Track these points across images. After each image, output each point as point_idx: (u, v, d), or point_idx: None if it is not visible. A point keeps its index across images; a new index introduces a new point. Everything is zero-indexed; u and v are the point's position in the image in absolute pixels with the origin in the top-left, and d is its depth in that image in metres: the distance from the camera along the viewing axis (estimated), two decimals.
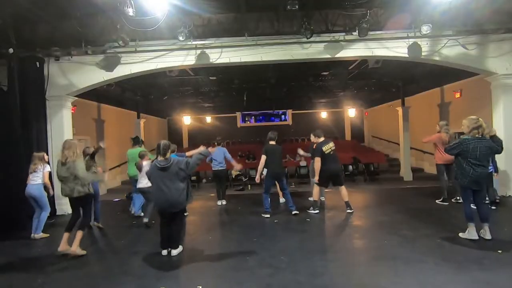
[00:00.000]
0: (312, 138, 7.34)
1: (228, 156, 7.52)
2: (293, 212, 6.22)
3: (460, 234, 4.58)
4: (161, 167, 4.17)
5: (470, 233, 4.46)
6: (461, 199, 6.43)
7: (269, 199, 6.34)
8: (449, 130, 6.72)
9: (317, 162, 6.15)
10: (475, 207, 4.55)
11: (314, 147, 7.16)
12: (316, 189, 6.43)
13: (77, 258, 4.40)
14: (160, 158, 4.25)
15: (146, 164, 5.75)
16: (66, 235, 4.49)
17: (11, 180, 5.98)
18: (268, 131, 6.69)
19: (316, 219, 6.06)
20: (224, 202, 7.72)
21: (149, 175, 4.35)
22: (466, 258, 3.89)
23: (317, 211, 6.35)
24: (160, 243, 4.45)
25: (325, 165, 6.18)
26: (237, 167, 6.99)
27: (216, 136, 8.27)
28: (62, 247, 4.44)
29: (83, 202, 4.55)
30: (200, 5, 5.94)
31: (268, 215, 6.19)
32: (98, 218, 5.96)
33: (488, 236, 4.41)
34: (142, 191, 6.02)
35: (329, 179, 6.31)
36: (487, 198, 6.13)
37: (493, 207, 6.07)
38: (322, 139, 6.33)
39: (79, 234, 4.48)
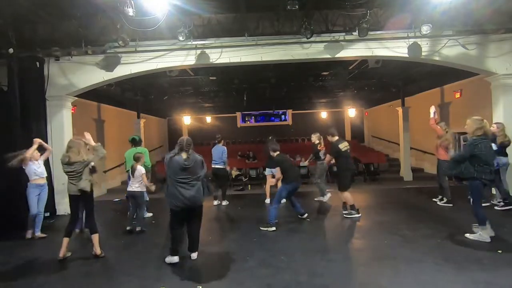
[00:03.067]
0: (314, 138, 7.41)
1: (225, 156, 7.46)
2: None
3: (467, 235, 4.54)
4: (185, 166, 3.99)
5: (483, 235, 4.43)
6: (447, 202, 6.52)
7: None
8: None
9: (328, 158, 6.40)
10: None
11: (319, 147, 7.25)
12: (346, 194, 6.05)
13: (90, 258, 4.41)
14: (183, 155, 4.04)
15: (140, 168, 5.63)
16: (66, 240, 4.43)
17: (11, 180, 5.97)
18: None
19: (316, 219, 6.06)
20: (225, 203, 7.62)
21: (169, 170, 4.10)
22: (466, 258, 3.90)
23: (359, 214, 5.98)
24: (172, 249, 4.16)
25: (346, 165, 6.04)
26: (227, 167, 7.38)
27: (214, 136, 8.18)
28: (63, 252, 4.40)
29: (89, 201, 4.52)
30: (200, 5, 5.93)
31: (273, 228, 5.45)
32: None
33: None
34: (133, 195, 5.67)
35: (351, 178, 6.19)
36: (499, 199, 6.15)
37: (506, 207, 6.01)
38: (336, 138, 6.16)
39: (96, 236, 4.48)
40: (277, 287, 3.43)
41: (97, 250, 4.47)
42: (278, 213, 5.63)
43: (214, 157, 7.43)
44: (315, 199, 7.53)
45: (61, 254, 4.38)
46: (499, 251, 4.07)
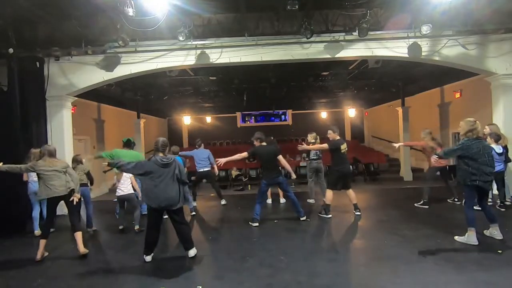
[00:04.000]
0: (310, 138, 7.39)
1: (212, 159, 7.44)
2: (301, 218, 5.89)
3: (456, 238, 4.51)
4: (163, 163, 4.07)
5: (470, 237, 4.37)
6: (460, 201, 6.48)
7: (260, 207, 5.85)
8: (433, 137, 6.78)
9: (316, 146, 6.45)
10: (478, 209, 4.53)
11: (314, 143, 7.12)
12: (329, 193, 6.11)
13: (79, 257, 4.41)
14: (160, 154, 4.15)
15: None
16: (43, 242, 4.44)
17: (11, 179, 5.96)
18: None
19: (316, 219, 6.05)
20: (224, 202, 7.66)
21: (145, 171, 4.08)
22: (466, 258, 3.90)
23: (330, 215, 6.07)
24: (144, 248, 4.22)
25: (339, 165, 6.00)
26: (215, 170, 7.52)
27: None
28: (40, 254, 4.40)
29: (71, 202, 4.57)
30: (200, 5, 5.94)
31: (256, 224, 5.70)
32: (91, 224, 5.84)
33: (499, 236, 4.43)
34: (126, 198, 5.77)
35: (340, 180, 6.06)
36: (490, 200, 6.12)
37: (501, 209, 5.97)
38: (337, 136, 6.16)
39: (79, 234, 4.48)
40: (277, 287, 3.44)
41: (80, 248, 4.44)
42: (279, 213, 5.65)
43: (199, 160, 7.39)
44: (308, 200, 7.47)
45: (38, 256, 4.38)
46: (499, 251, 4.07)
